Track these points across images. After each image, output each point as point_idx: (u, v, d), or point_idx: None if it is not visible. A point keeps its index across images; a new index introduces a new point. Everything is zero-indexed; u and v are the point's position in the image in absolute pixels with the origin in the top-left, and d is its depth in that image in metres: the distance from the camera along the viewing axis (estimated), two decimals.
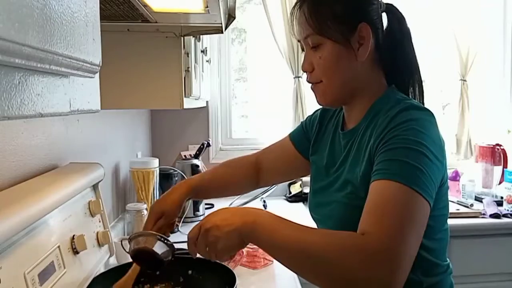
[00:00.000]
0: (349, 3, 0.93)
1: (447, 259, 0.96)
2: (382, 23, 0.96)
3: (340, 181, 0.95)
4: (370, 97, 0.95)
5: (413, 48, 0.98)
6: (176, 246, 0.96)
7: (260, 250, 1.40)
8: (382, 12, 0.96)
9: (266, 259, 1.44)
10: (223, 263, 1.06)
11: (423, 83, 1.01)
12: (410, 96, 0.98)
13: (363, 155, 0.89)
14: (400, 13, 0.99)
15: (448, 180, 2.58)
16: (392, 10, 0.98)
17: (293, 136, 1.20)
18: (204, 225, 0.84)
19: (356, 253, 0.73)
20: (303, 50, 0.99)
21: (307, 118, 1.19)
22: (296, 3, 0.97)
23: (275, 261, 1.44)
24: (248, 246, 1.38)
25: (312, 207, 1.06)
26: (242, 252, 1.38)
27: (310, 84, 0.99)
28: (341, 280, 0.74)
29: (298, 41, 1.00)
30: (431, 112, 0.89)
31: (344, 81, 0.94)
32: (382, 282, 0.71)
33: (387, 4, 0.98)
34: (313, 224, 1.08)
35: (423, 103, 0.98)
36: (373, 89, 0.96)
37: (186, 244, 0.88)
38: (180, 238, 1.77)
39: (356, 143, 0.94)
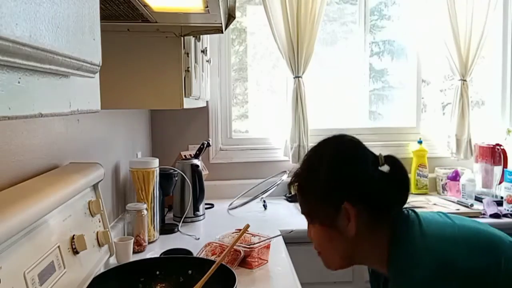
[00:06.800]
0: (329, 187, 0.91)
1: None
2: (375, 185, 0.90)
3: None
4: (378, 253, 0.90)
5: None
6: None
7: (256, 250, 1.41)
8: (382, 165, 0.91)
9: (261, 258, 1.44)
10: (222, 263, 1.06)
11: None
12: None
13: None
14: (400, 163, 0.94)
15: (448, 180, 2.54)
16: (392, 162, 0.93)
17: None
18: None
19: None
20: None
21: None
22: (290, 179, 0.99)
23: (269, 260, 1.45)
24: (244, 246, 1.40)
25: None
26: (240, 252, 1.38)
27: None
28: None
29: None
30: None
31: (341, 254, 0.95)
32: None
33: (386, 156, 0.94)
34: None
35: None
36: (377, 246, 0.91)
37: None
38: (180, 238, 1.77)
39: None
